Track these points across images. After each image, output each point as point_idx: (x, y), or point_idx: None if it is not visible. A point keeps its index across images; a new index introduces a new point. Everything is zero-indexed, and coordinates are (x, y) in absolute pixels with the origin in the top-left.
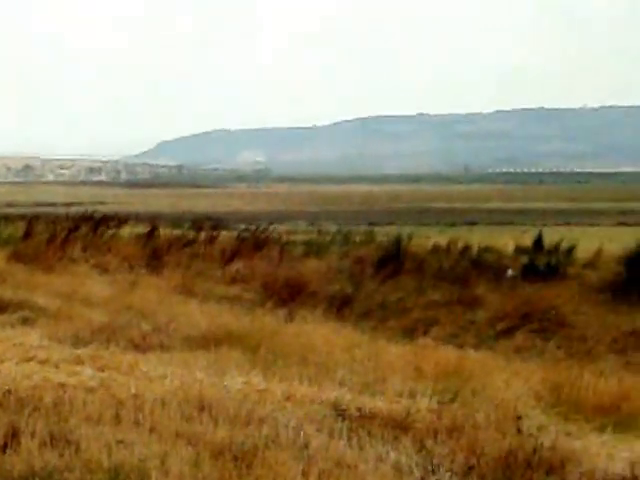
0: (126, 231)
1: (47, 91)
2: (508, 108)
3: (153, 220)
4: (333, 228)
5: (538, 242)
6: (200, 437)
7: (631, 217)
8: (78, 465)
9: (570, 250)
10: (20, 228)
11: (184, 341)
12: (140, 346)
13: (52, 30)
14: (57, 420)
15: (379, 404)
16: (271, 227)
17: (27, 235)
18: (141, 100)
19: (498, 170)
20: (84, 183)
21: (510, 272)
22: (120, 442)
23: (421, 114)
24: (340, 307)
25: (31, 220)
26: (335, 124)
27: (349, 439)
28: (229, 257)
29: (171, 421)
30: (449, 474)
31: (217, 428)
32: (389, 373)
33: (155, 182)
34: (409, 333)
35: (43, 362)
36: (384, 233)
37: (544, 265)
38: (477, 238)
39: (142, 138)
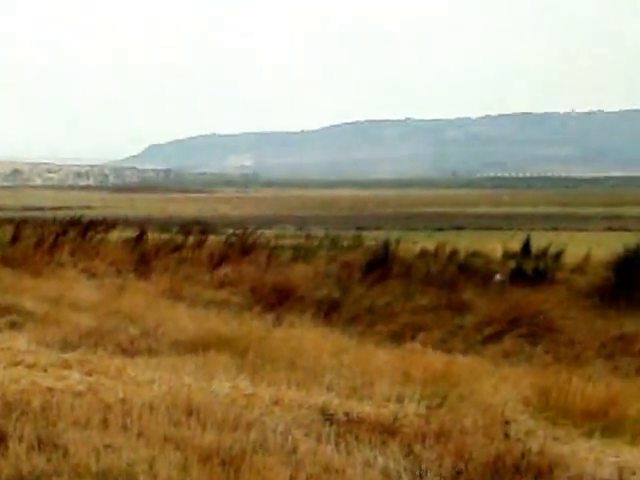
0: (114, 235)
1: (42, 94)
2: (497, 113)
3: (141, 224)
4: (321, 233)
5: (526, 247)
6: (188, 441)
7: (619, 222)
8: (66, 469)
9: (558, 255)
10: (8, 232)
11: (172, 345)
12: (128, 350)
13: (48, 33)
14: (45, 424)
15: (367, 409)
16: (259, 232)
17: (15, 239)
18: (132, 103)
19: (486, 175)
20: (72, 187)
21: (498, 277)
22: (108, 446)
23: (409, 119)
24: (328, 312)
25: (19, 224)
26: (323, 129)
27: (337, 444)
28: (217, 261)
29: (159, 425)
30: (437, 479)
31: (205, 433)
32: (377, 378)
33: (143, 186)
34: (397, 338)
35: (31, 366)
36: (372, 238)
37: (532, 270)
38: (465, 243)
39: (132, 141)
